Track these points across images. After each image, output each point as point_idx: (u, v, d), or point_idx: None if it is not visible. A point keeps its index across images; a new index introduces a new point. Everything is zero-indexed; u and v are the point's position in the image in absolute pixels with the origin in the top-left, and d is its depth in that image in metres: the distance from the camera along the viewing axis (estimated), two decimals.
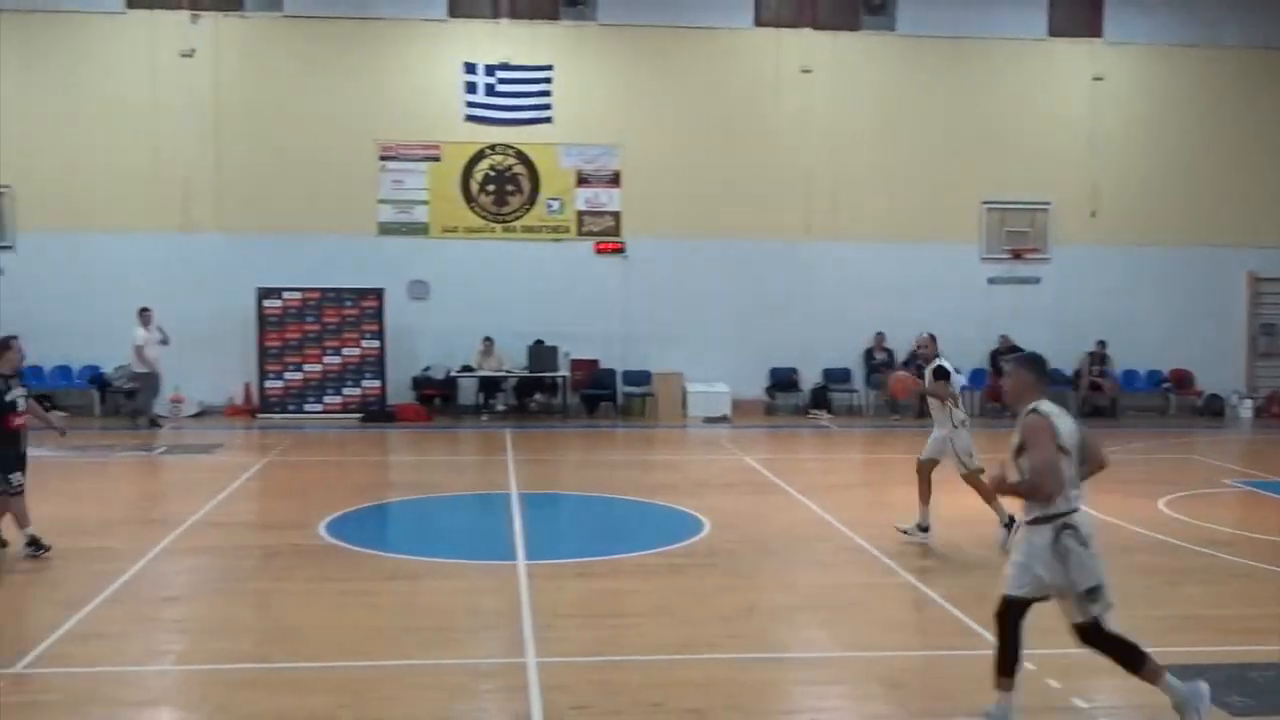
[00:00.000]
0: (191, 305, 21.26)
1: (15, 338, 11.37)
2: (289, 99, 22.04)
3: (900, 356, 23.29)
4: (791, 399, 23.32)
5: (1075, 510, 6.45)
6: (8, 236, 21.60)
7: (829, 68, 23.24)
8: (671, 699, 7.14)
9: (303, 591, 9.89)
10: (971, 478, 11.45)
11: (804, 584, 10.26)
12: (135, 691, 7.61)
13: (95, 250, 21.53)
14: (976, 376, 23.49)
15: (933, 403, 11.70)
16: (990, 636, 6.80)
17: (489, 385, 22.34)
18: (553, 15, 22.73)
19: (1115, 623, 6.50)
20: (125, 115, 21.68)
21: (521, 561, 10.70)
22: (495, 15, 22.60)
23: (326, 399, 21.71)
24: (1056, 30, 23.83)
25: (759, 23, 23.22)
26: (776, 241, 23.04)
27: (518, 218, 22.73)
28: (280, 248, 21.82)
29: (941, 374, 11.55)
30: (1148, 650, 6.58)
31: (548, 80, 22.44)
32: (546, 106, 22.48)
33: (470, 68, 22.24)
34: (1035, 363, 6.83)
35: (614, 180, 22.88)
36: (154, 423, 20.20)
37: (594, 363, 22.68)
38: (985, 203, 23.71)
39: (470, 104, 22.34)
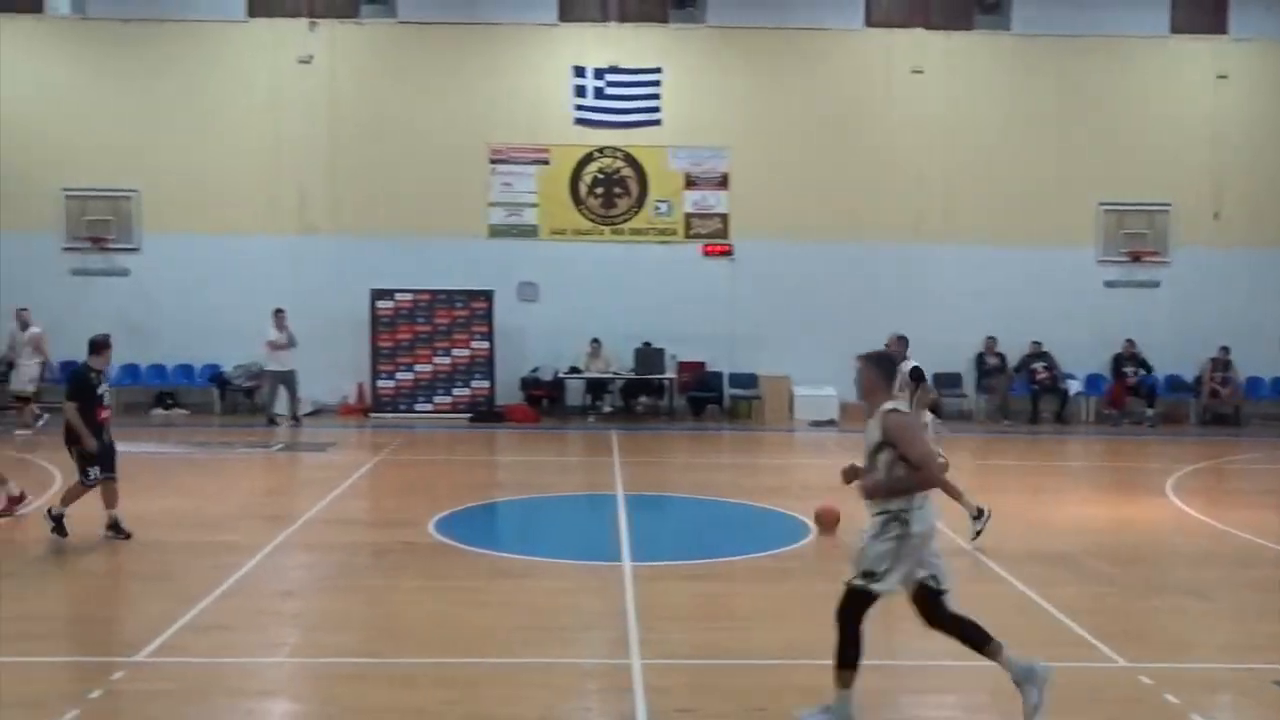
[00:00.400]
0: (308, 306, 21.74)
1: (108, 336, 12.21)
2: (402, 104, 22.43)
3: (1012, 361, 22.88)
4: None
5: (921, 507, 6.60)
6: (135, 239, 22.31)
7: (941, 68, 22.92)
8: (777, 704, 7.09)
9: (412, 588, 10.04)
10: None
11: None
12: (251, 682, 7.80)
13: (216, 252, 22.13)
14: (1093, 383, 22.96)
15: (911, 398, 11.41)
16: (1103, 647, 6.63)
17: (596, 387, 22.46)
18: (661, 18, 22.78)
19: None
20: (246, 121, 22.26)
21: (627, 563, 10.73)
22: (604, 19, 22.72)
23: (436, 399, 22.03)
24: (1179, 27, 23.18)
25: (870, 23, 22.99)
26: (886, 244, 22.78)
27: (626, 220, 22.82)
28: (393, 250, 22.20)
29: (919, 374, 11.52)
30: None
31: (656, 83, 22.50)
32: (655, 109, 22.53)
33: (579, 71, 22.40)
34: (883, 361, 6.96)
35: (722, 182, 22.83)
36: (272, 421, 20.71)
37: (700, 365, 22.66)
38: (1102, 204, 23.17)
39: (579, 107, 22.49)
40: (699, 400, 22.52)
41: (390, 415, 21.76)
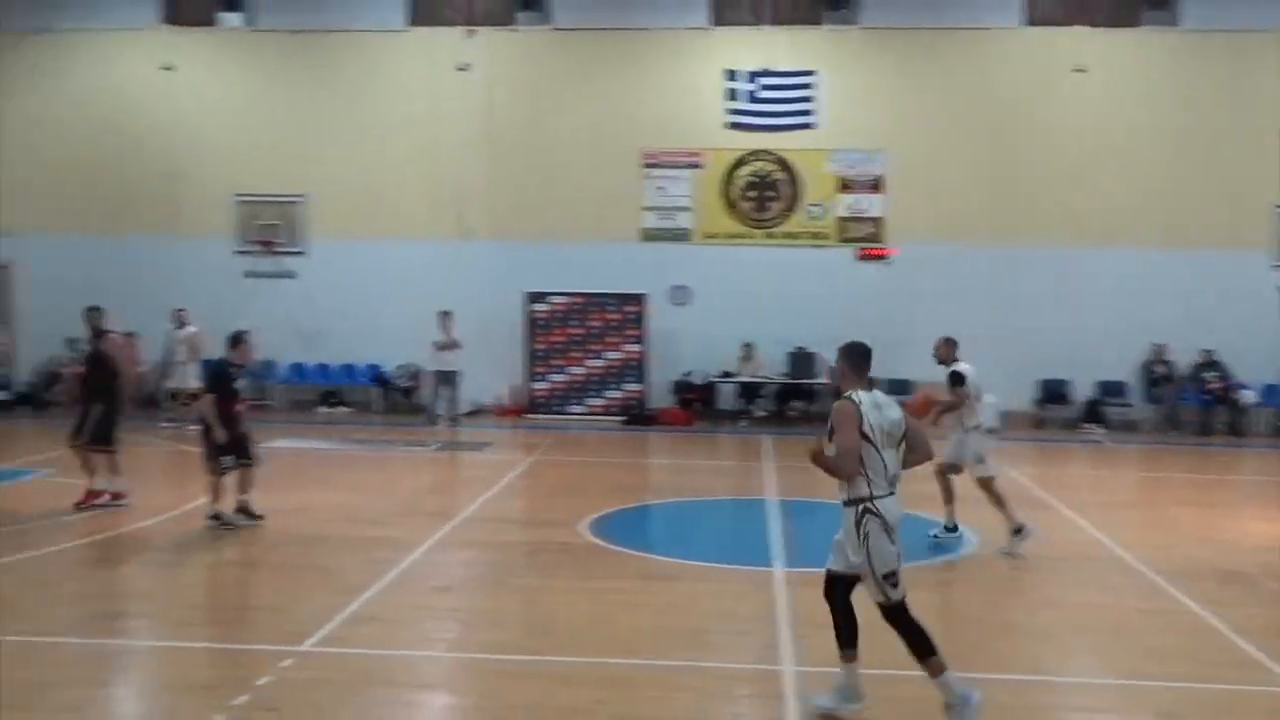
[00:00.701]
0: (465, 309, 22.16)
1: (248, 332, 12.81)
2: (557, 109, 22.74)
3: (1181, 370, 22.03)
4: (1062, 412, 22.38)
5: (883, 496, 6.82)
6: (302, 243, 23.09)
7: (1104, 67, 22.22)
8: (931, 715, 6.97)
9: (565, 588, 10.16)
10: (983, 482, 11.66)
11: (1073, 604, 9.84)
12: (409, 675, 8.00)
13: (378, 256, 22.76)
14: (1271, 393, 21.95)
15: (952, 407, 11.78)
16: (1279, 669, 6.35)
17: (749, 391, 22.40)
18: (815, 20, 22.62)
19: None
20: (406, 128, 22.85)
21: (778, 568, 10.67)
22: (757, 22, 22.66)
23: (589, 401, 22.26)
24: None
25: (1030, 22, 22.43)
26: (1047, 247, 22.18)
27: (778, 224, 22.72)
28: (548, 254, 22.51)
29: (956, 379, 11.79)
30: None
31: (809, 86, 22.35)
32: (808, 112, 22.39)
33: (732, 75, 22.39)
34: (853, 352, 7.28)
35: (876, 185, 22.56)
36: (433, 420, 21.21)
37: None
38: (1278, 206, 22.13)
39: (732, 111, 22.48)
40: None
41: (544, 416, 22.07)
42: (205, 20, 23.11)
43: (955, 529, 11.95)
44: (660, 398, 22.34)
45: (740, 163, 22.67)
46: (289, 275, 23.09)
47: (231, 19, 23.05)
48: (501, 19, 22.90)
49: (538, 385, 22.43)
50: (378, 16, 22.94)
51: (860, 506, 6.87)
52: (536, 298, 22.32)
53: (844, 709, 7.03)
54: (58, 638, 8.55)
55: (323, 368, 23.11)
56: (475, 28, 22.81)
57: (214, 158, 23.01)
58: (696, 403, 22.39)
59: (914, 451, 7.15)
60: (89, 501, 12.97)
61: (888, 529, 6.82)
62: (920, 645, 6.85)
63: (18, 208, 23.03)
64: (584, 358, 22.32)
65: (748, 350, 22.09)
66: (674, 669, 7.95)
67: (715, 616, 9.26)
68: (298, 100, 23.10)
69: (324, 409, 22.60)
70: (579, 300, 22.32)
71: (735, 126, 22.48)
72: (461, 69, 22.73)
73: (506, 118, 22.84)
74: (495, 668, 8.04)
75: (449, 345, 20.87)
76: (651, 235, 22.78)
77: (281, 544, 11.63)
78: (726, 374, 22.24)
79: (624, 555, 11.31)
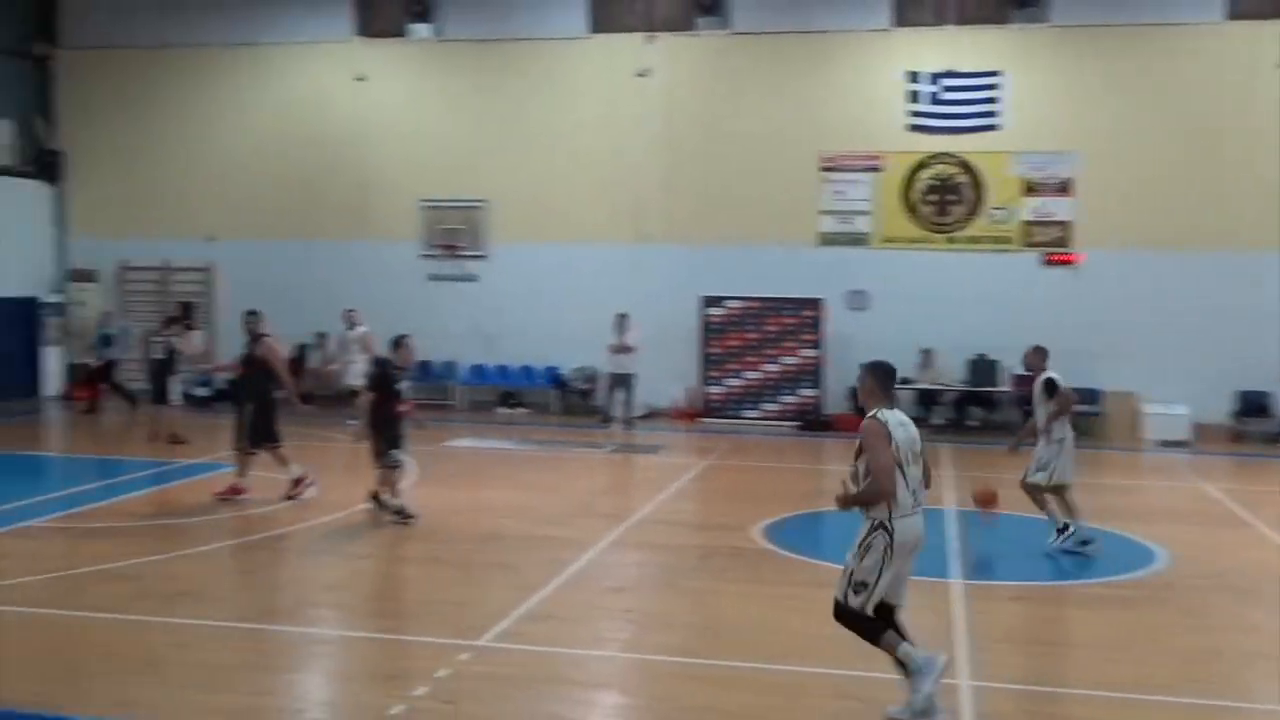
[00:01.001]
0: (642, 313, 22.32)
1: (409, 336, 13.22)
2: (735, 113, 22.71)
3: None
4: (1262, 425, 21.26)
5: (903, 516, 6.89)
6: (483, 247, 23.64)
7: None
8: None
9: (738, 592, 10.14)
10: (1029, 486, 11.80)
11: (1273, 628, 9.34)
12: (583, 673, 8.10)
13: (557, 259, 23.12)
14: None
15: (1046, 417, 11.74)
16: None
17: (927, 398, 21.95)
18: (1001, 19, 22.02)
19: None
20: (586, 134, 23.16)
21: (955, 580, 10.44)
22: (940, 22, 22.20)
23: (764, 405, 22.16)
24: None
25: (1232, 16, 21.38)
26: (1246, 252, 21.11)
27: (960, 228, 22.21)
28: (724, 258, 22.51)
29: (1051, 387, 11.72)
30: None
31: (994, 86, 21.79)
32: (993, 114, 21.83)
33: (914, 76, 22.00)
34: (879, 370, 7.25)
35: (1064, 188, 21.84)
36: (608, 422, 21.46)
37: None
38: None
39: (913, 113, 22.09)
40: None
41: (718, 421, 22.06)
42: (397, 32, 23.86)
43: (1066, 528, 11.73)
44: (836, 403, 22.08)
45: (921, 165, 22.24)
46: (471, 278, 23.64)
47: (421, 30, 23.74)
48: (681, 24, 22.99)
49: (712, 389, 22.44)
50: (560, 25, 23.31)
51: (876, 521, 6.97)
52: (712, 301, 22.34)
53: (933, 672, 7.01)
54: (248, 624, 8.94)
55: (502, 369, 23.59)
56: (655, 34, 22.97)
57: (401, 164, 23.75)
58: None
59: (928, 469, 7.28)
60: (229, 494, 13.56)
61: (891, 548, 6.90)
62: (876, 636, 7.07)
63: (221, 214, 24.22)
64: (759, 362, 22.24)
65: (926, 356, 21.66)
66: (844, 678, 7.85)
67: None
68: (481, 107, 23.65)
69: (503, 410, 23.07)
70: (755, 304, 22.24)
71: (916, 129, 22.08)
72: (641, 75, 22.92)
73: (685, 122, 22.93)
74: (666, 669, 8.08)
75: (623, 348, 21.06)
76: (829, 239, 22.55)
77: (461, 541, 11.91)
78: (904, 380, 21.81)
79: (796, 561, 11.23)
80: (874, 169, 22.35)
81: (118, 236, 24.62)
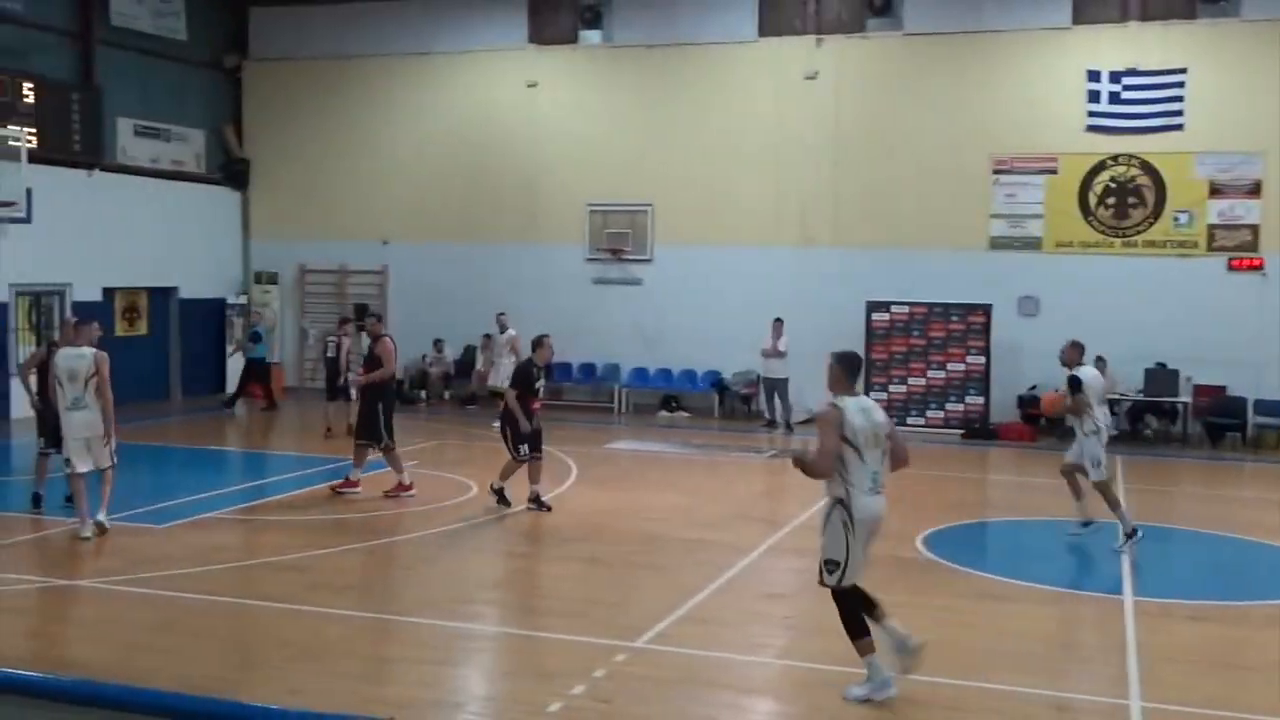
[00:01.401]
0: (805, 317, 22.19)
1: (548, 336, 13.91)
2: (904, 116, 22.35)
3: None
4: None
5: (860, 495, 7.41)
6: (648, 250, 23.80)
7: None
8: None
9: (898, 603, 9.95)
10: (1100, 485, 12.04)
11: None
12: (738, 678, 8.08)
13: (720, 263, 23.11)
14: None
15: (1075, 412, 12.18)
16: None
17: None
18: (1188, 14, 21.13)
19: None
20: (752, 137, 23.09)
21: (1128, 596, 10.06)
22: (1123, 18, 21.42)
23: (929, 413, 21.74)
24: None
25: None
26: None
27: (1139, 232, 21.40)
28: (890, 262, 22.17)
29: (1074, 384, 12.12)
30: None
31: (1180, 84, 20.93)
32: (1178, 113, 20.96)
33: (1094, 75, 21.28)
34: (845, 360, 7.83)
35: (1254, 190, 20.84)
36: (772, 424, 21.43)
37: (1220, 389, 20.78)
38: None
39: (1092, 113, 21.37)
40: (1217, 427, 20.67)
41: None
42: (568, 39, 24.22)
43: (1089, 524, 12.30)
44: (1003, 412, 21.52)
45: (1099, 167, 21.50)
46: (635, 282, 23.83)
47: (591, 36, 24.05)
48: (851, 27, 22.75)
49: (876, 395, 22.10)
50: (728, 29, 23.31)
51: (834, 499, 7.52)
52: (877, 306, 22.03)
53: (883, 694, 7.46)
54: (412, 618, 9.19)
55: (664, 372, 23.70)
56: (824, 36, 22.79)
57: (569, 168, 24.08)
58: (1041, 419, 21.43)
59: (895, 456, 7.72)
60: (396, 491, 13.98)
61: (851, 524, 7.42)
62: (851, 626, 7.54)
63: (395, 217, 24.97)
64: (924, 369, 21.83)
65: (1100, 365, 20.90)
66: (1005, 694, 7.65)
67: (1055, 643, 8.85)
68: (648, 111, 23.81)
69: (664, 413, 23.17)
70: (921, 310, 21.84)
71: (1095, 129, 21.35)
72: (809, 77, 22.75)
73: (852, 125, 22.67)
74: (822, 678, 8.00)
75: (775, 353, 21.02)
76: (999, 244, 21.99)
77: (620, 542, 12.02)
78: None
79: (960, 573, 10.99)
80: (1049, 171, 21.71)
81: (298, 240, 25.61)
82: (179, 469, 17.17)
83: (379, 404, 14.09)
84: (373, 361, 14.34)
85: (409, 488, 14.00)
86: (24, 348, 19.70)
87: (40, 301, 21.17)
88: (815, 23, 22.85)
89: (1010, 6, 21.84)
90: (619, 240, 23.70)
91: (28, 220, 17.25)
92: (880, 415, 7.62)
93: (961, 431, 21.23)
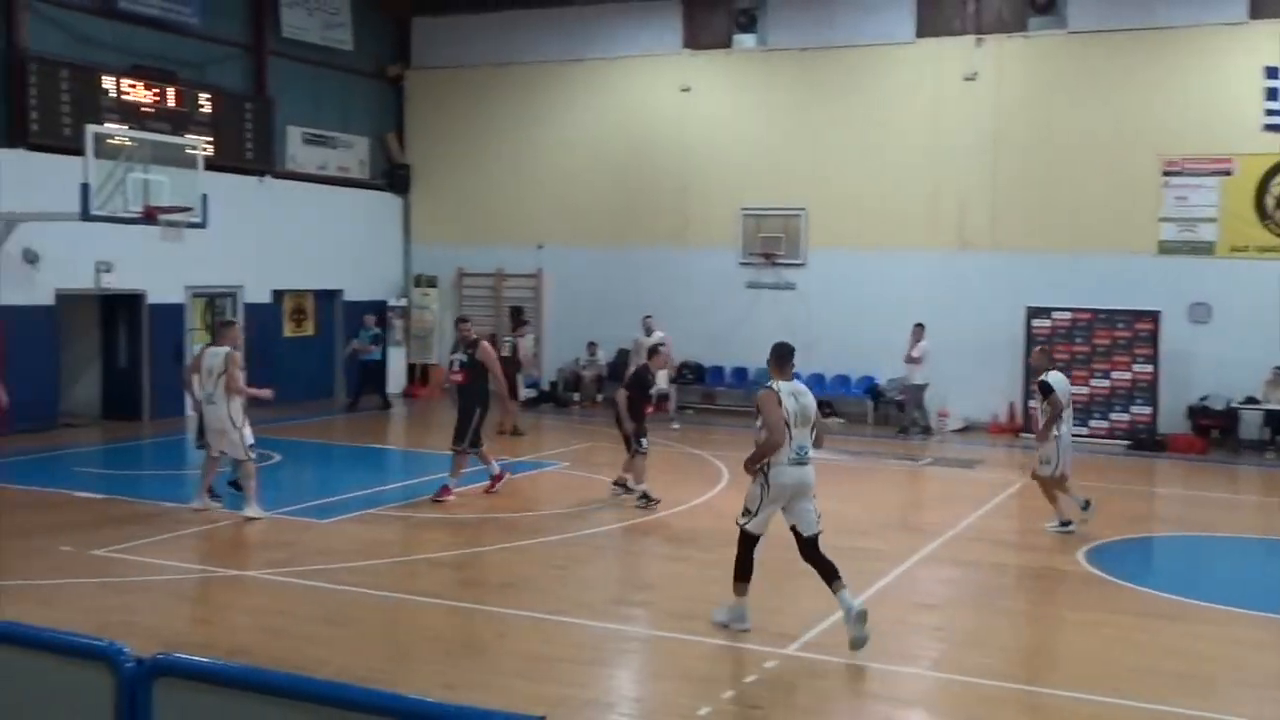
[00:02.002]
0: (962, 322, 21.75)
1: (665, 345, 14.74)
2: (1068, 116, 21.71)
3: None
4: None
5: (781, 465, 8.63)
6: (801, 254, 23.62)
7: None
8: None
9: (1057, 617, 9.71)
10: (1039, 479, 12.97)
11: None
12: (889, 689, 7.96)
13: (875, 267, 22.81)
14: None
15: (1045, 416, 12.87)
16: None
17: (1277, 420, 20.27)
18: None
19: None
20: (907, 139, 22.73)
21: None
22: None
23: (1092, 423, 21.05)
24: None
25: None
26: None
27: None
28: (1052, 267, 21.56)
29: (1045, 389, 12.83)
30: None
31: None
32: None
33: (1272, 72, 20.31)
34: (777, 350, 9.16)
35: None
36: (926, 430, 21.10)
37: None
38: None
39: (1270, 111, 20.40)
40: None
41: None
42: (722, 43, 24.23)
43: (1087, 505, 12.85)
44: (1171, 423, 20.71)
45: (1278, 168, 20.56)
46: (788, 286, 23.68)
47: (746, 41, 24.00)
48: (1012, 26, 22.21)
49: (1033, 404, 21.51)
50: (886, 30, 23.00)
51: (759, 468, 8.74)
52: (1038, 312, 21.43)
53: (740, 625, 8.85)
54: (565, 617, 9.30)
55: (817, 377, 23.44)
56: (984, 36, 22.31)
57: (722, 173, 24.07)
58: (1213, 430, 20.57)
59: (820, 434, 9.09)
60: (495, 484, 14.26)
61: (767, 485, 8.71)
62: (739, 564, 8.97)
63: (550, 222, 25.33)
64: (1087, 377, 21.14)
65: (1278, 375, 20.00)
66: (1167, 715, 7.36)
67: (1222, 664, 8.48)
68: (802, 115, 23.65)
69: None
70: (1085, 316, 21.18)
71: (1273, 129, 20.38)
72: (968, 78, 22.30)
73: (1013, 126, 22.12)
74: (976, 691, 7.83)
75: (912, 359, 20.72)
76: (1169, 248, 21.18)
77: (772, 547, 11.88)
78: (1250, 400, 20.25)
79: (1123, 588, 10.62)
80: (1223, 173, 20.84)
81: (456, 244, 26.18)
82: (342, 465, 17.75)
83: (478, 409, 14.06)
84: (474, 367, 14.12)
85: (500, 477, 14.30)
86: (198, 347, 20.60)
87: (214, 303, 22.10)
88: (975, 22, 22.39)
89: (1182, 2, 21.03)
90: (772, 244, 23.59)
91: (203, 225, 18.00)
92: (809, 399, 8.87)
93: (1127, 442, 20.52)
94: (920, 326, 20.95)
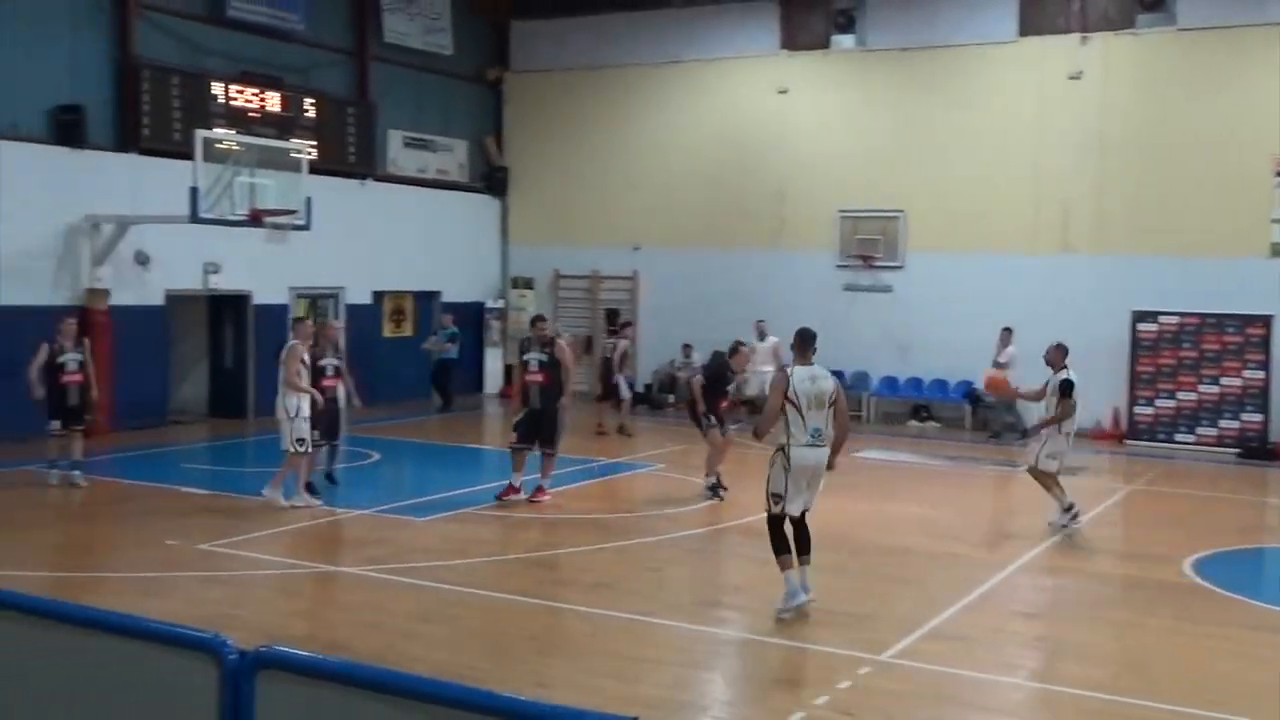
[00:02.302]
0: (1064, 327, 21.18)
1: (746, 346, 15.09)
2: (1177, 115, 21.16)
3: None
4: None
5: (799, 446, 9.03)
6: (899, 257, 23.35)
7: None
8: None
9: (1163, 629, 9.46)
10: (1034, 472, 13.08)
11: None
12: (986, 698, 7.83)
13: (973, 270, 22.44)
14: None
15: (1060, 413, 12.90)
16: None
17: None
18: None
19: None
20: (1009, 140, 22.33)
21: None
22: None
23: (1200, 430, 20.51)
24: None
25: None
26: None
27: None
28: (1158, 270, 21.02)
29: (1067, 388, 12.86)
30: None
31: None
32: None
33: None
34: (800, 334, 9.57)
35: None
36: (1024, 434, 20.70)
37: None
38: None
39: None
40: None
41: (1146, 444, 20.64)
42: (820, 44, 24.05)
43: (1072, 507, 12.97)
44: None
45: None
46: (885, 289, 23.43)
47: (844, 41, 23.80)
48: (1119, 23, 21.71)
49: (1141, 410, 21.03)
50: (987, 30, 22.64)
51: (778, 447, 9.13)
52: (1144, 316, 20.93)
53: (794, 602, 9.10)
54: (658, 619, 9.30)
55: (915, 381, 23.21)
56: (1089, 34, 21.85)
57: (819, 175, 23.88)
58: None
59: (837, 424, 9.29)
60: (538, 496, 13.71)
61: (788, 466, 9.07)
62: (776, 545, 9.25)
63: (645, 223, 25.36)
64: (1195, 383, 20.61)
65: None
66: None
67: None
68: (901, 116, 23.37)
69: (914, 423, 22.69)
70: (1192, 320, 20.63)
71: None
72: (1073, 77, 21.85)
73: (1119, 126, 21.62)
74: (1077, 703, 7.66)
75: (999, 364, 20.37)
76: None
77: (867, 553, 11.84)
78: None
79: (1231, 600, 10.32)
80: None
81: (553, 245, 26.35)
82: (439, 465, 17.96)
83: (559, 409, 13.83)
84: (554, 366, 13.83)
85: (517, 491, 13.71)
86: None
87: (316, 304, 22.52)
88: (1080, 20, 21.94)
89: None
90: (870, 247, 23.36)
91: (307, 228, 18.36)
92: (827, 383, 9.22)
93: (1237, 450, 19.94)
94: (1008, 330, 20.58)
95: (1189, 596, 10.43)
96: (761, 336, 21.11)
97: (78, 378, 14.00)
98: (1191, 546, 12.21)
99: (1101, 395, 21.32)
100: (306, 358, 13.16)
